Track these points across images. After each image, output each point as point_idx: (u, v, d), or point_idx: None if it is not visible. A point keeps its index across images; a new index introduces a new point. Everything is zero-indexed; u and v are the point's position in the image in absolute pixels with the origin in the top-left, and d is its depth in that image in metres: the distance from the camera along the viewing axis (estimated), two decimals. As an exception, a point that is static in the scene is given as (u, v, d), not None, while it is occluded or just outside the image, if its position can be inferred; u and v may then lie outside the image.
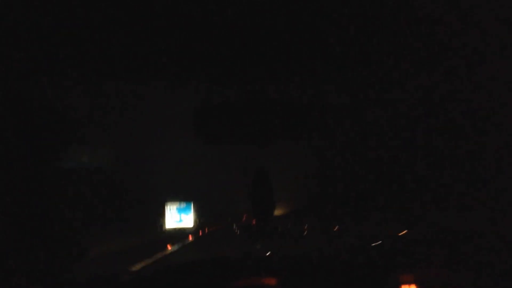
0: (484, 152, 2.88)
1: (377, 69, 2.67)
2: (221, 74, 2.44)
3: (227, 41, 2.27)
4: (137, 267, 2.99)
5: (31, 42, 2.11)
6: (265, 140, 2.46)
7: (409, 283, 2.57)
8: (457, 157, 3.02)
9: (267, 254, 3.14)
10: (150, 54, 2.29)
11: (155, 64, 2.31)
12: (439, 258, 2.71)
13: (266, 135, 2.44)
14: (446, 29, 2.57)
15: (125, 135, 2.92)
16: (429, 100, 3.05)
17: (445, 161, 3.06)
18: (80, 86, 2.34)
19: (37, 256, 2.18)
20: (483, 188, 2.78)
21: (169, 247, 3.60)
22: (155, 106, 2.77)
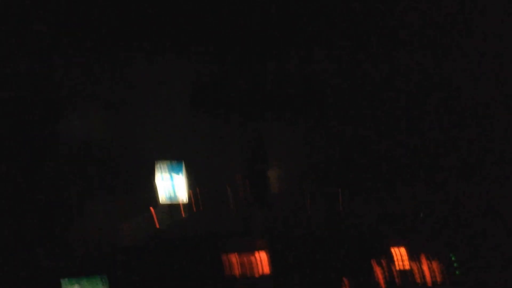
0: (483, 133, 3.06)
1: (378, 43, 2.79)
2: (219, 45, 2.54)
3: (226, 12, 2.38)
4: (130, 239, 3.16)
5: (25, 13, 2.21)
6: (260, 113, 2.59)
7: (398, 245, 2.79)
8: (456, 137, 3.19)
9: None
10: (148, 21, 2.40)
11: (154, 32, 2.43)
12: (430, 229, 2.90)
13: (262, 108, 2.57)
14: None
15: (119, 102, 3.04)
16: (430, 81, 3.20)
17: (444, 139, 3.22)
18: (72, 52, 2.44)
19: (32, 228, 2.34)
20: (481, 165, 2.96)
21: (156, 223, 3.71)
22: (153, 76, 2.89)
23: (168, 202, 5.32)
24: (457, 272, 2.72)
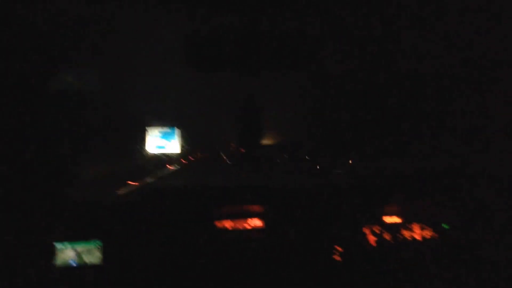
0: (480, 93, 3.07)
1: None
2: (215, 1, 2.51)
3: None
4: (122, 192, 3.23)
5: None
6: (256, 69, 2.59)
7: (392, 214, 2.89)
8: (456, 95, 3.21)
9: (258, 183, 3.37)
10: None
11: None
12: (424, 192, 2.99)
13: (258, 64, 2.56)
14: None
15: (112, 58, 3.00)
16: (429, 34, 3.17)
17: (445, 104, 3.25)
18: (66, 6, 2.41)
19: (27, 183, 2.37)
20: (476, 128, 3.01)
21: (129, 184, 3.68)
22: (146, 30, 2.84)
23: (160, 152, 5.38)
24: (446, 227, 2.84)
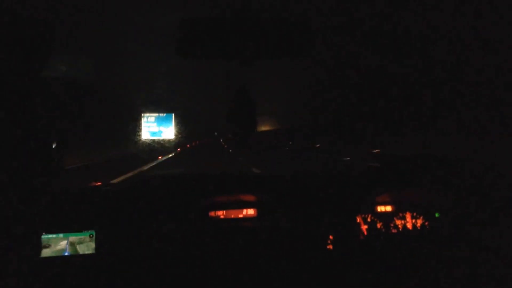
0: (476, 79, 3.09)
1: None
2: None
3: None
4: (115, 180, 3.26)
5: None
6: (249, 56, 2.62)
7: (384, 204, 2.94)
8: (452, 81, 3.22)
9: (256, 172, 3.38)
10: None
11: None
12: (416, 180, 3.04)
13: (251, 51, 2.59)
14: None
15: (105, 46, 3.02)
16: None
17: (436, 85, 3.25)
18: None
19: (14, 170, 2.40)
20: (467, 115, 3.03)
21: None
22: (137, 16, 2.85)
23: (154, 138, 5.39)
24: (436, 215, 2.88)
